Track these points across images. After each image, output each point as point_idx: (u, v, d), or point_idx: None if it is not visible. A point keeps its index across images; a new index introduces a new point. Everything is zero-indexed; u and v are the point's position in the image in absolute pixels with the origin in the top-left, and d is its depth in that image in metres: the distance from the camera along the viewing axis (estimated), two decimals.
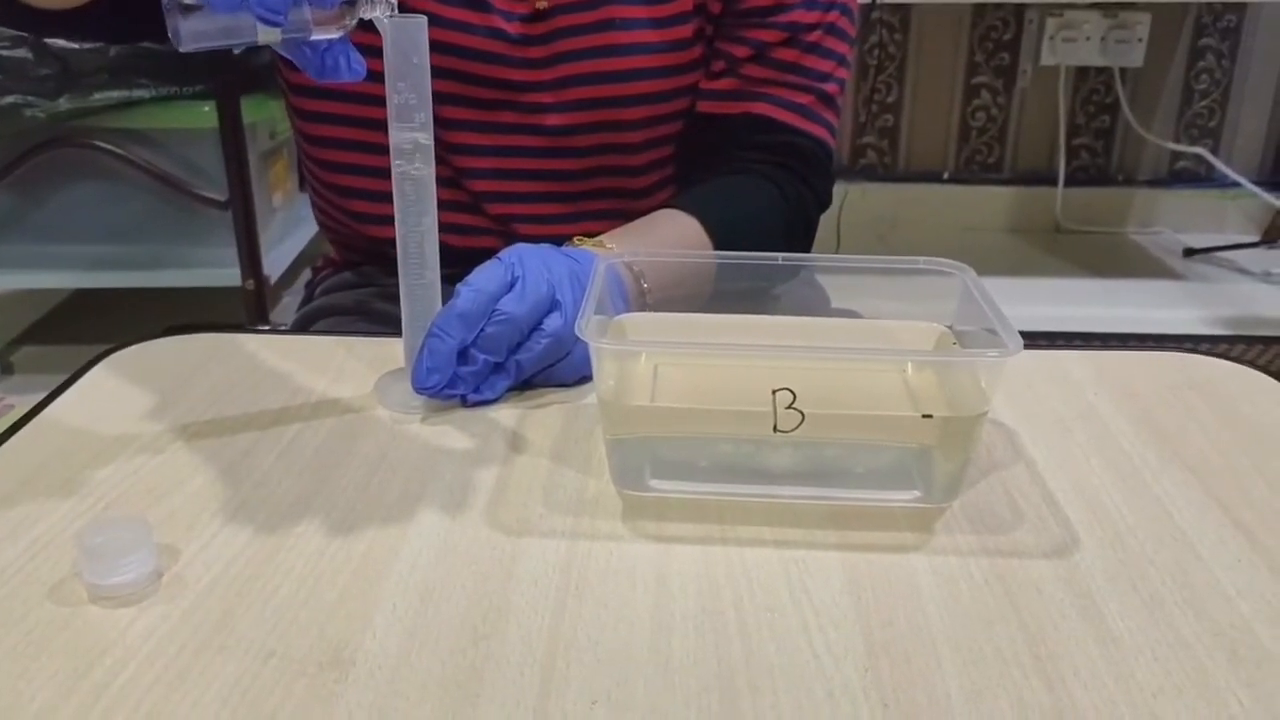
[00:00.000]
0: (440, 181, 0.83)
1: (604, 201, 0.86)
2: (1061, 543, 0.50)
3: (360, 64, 0.54)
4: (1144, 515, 0.52)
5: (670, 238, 0.77)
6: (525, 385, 0.64)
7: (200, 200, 1.73)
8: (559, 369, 0.63)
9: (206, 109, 1.68)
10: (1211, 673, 0.42)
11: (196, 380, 0.65)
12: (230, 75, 1.66)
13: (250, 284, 1.76)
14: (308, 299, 0.96)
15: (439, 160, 0.83)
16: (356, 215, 0.87)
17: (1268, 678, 0.42)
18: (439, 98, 0.80)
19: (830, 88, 0.85)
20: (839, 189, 2.41)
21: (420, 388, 0.60)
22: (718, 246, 0.77)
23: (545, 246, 0.64)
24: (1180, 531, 0.51)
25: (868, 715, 0.40)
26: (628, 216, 0.80)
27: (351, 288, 0.91)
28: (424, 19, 0.55)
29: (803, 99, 0.84)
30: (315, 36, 0.52)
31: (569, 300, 0.62)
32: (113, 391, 0.64)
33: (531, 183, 0.84)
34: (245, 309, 1.77)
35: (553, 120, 0.81)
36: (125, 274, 1.78)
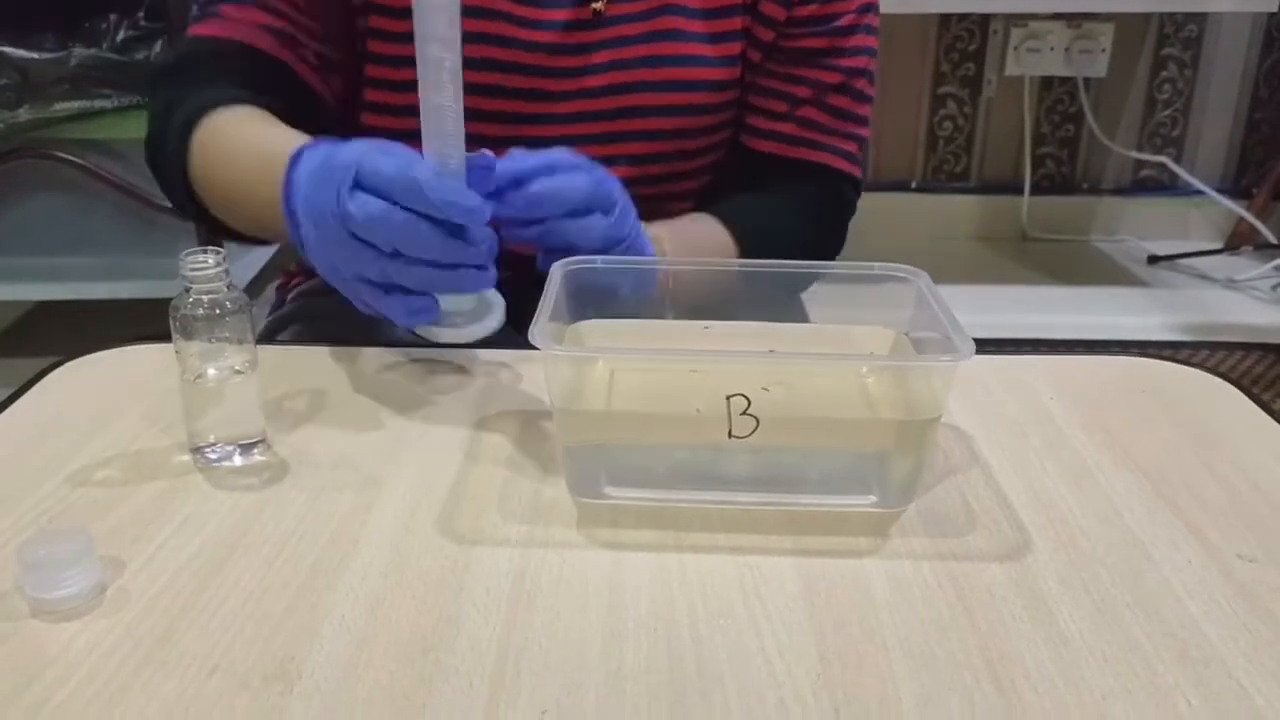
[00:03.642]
0: None
1: None
2: (1015, 546, 0.50)
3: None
4: (1096, 518, 0.52)
5: (711, 242, 0.79)
6: (480, 392, 0.63)
7: (163, 211, 1.71)
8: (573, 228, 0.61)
9: None
10: (1160, 673, 0.42)
11: (145, 391, 0.64)
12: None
13: None
14: (278, 305, 0.95)
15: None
16: None
17: (1216, 677, 0.42)
18: (473, 88, 0.78)
19: (866, 132, 0.88)
20: None
21: (451, 201, 0.55)
22: (742, 253, 0.80)
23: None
24: (1132, 534, 0.51)
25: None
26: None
27: (326, 293, 0.90)
28: None
29: (849, 146, 0.87)
30: None
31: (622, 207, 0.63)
32: (60, 403, 0.63)
33: None
34: None
35: (579, 129, 0.81)
36: (88, 285, 1.75)
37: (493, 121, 0.79)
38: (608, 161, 0.82)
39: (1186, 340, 2.08)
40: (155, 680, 0.41)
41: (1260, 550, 0.50)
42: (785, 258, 0.82)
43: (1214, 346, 2.06)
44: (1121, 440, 0.60)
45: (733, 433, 0.51)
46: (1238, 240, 2.43)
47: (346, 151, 0.55)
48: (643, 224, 0.70)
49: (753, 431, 0.51)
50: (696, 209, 0.86)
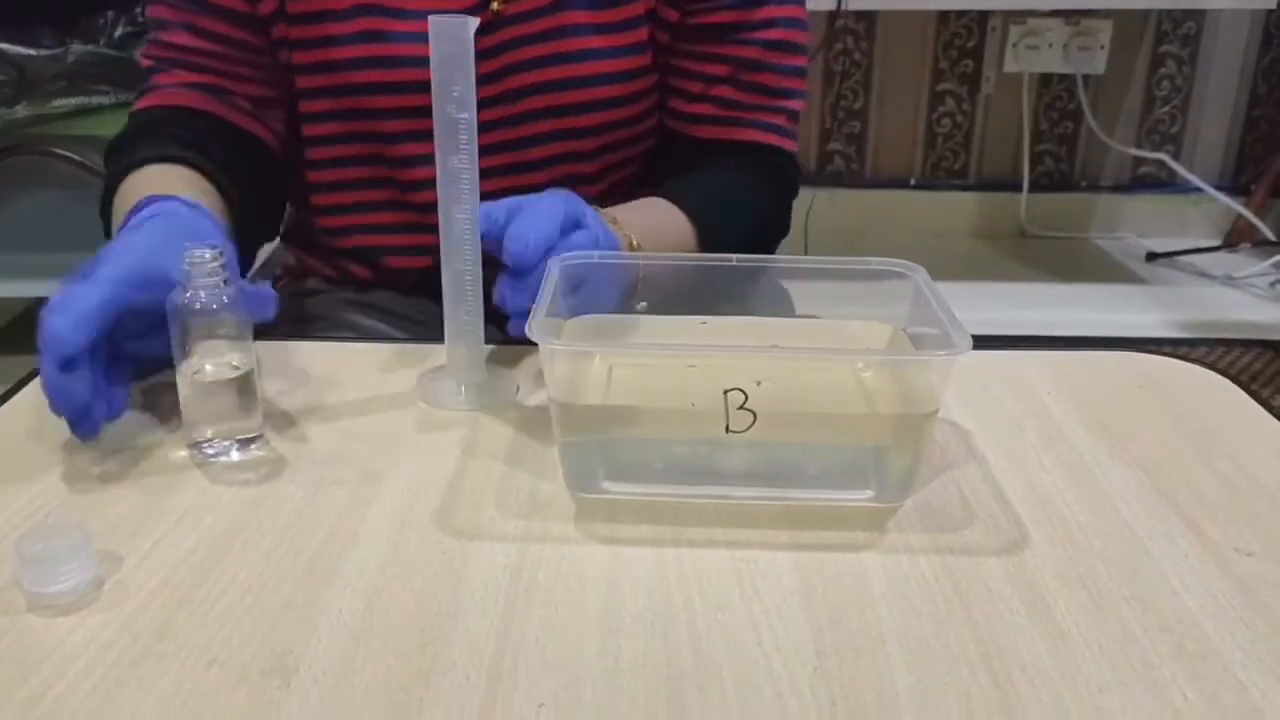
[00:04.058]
0: (389, 205, 0.82)
1: None
2: (1012, 540, 0.50)
3: None
4: (1094, 512, 0.52)
5: (670, 227, 0.78)
6: (480, 390, 0.63)
7: None
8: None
9: None
10: (1157, 667, 0.42)
11: (143, 388, 0.64)
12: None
13: None
14: None
15: (395, 187, 0.82)
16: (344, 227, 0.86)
17: (1212, 671, 0.42)
18: (383, 114, 0.79)
19: (796, 104, 0.86)
20: (806, 195, 2.42)
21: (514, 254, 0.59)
22: (700, 234, 0.79)
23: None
24: (1129, 528, 0.51)
25: (815, 714, 0.39)
26: None
27: (314, 294, 0.90)
28: (468, 19, 0.56)
29: (777, 119, 0.85)
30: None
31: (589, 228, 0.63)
32: None
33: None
34: None
35: (503, 135, 0.81)
36: None
37: (418, 141, 0.80)
38: (539, 164, 0.82)
39: (1185, 337, 2.08)
40: (152, 674, 0.41)
41: (1257, 544, 0.50)
42: (739, 230, 0.82)
43: (1212, 343, 2.06)
44: (1119, 435, 0.60)
45: (730, 427, 0.51)
46: (1236, 237, 2.43)
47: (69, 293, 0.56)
48: (597, 208, 0.70)
49: (750, 426, 0.51)
50: (638, 196, 0.85)
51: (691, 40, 0.82)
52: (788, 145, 0.87)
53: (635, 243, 0.70)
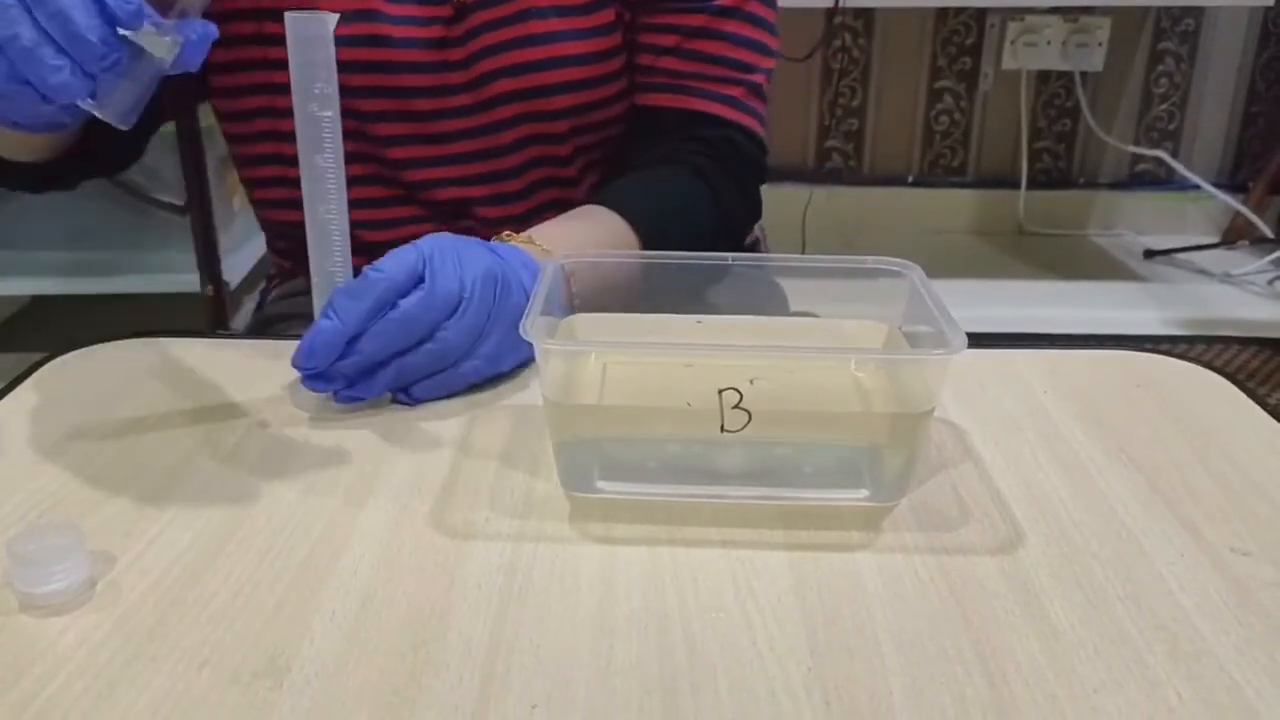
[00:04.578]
0: (393, 201, 0.82)
1: (543, 192, 0.85)
2: (1007, 539, 0.50)
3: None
4: (1089, 511, 0.52)
5: (600, 238, 0.75)
6: (473, 388, 0.63)
7: (158, 205, 1.71)
8: (443, 378, 0.61)
9: None
10: (1152, 667, 0.42)
11: (137, 386, 0.64)
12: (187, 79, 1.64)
13: (209, 289, 1.74)
14: (259, 306, 0.96)
15: (385, 180, 0.82)
16: (278, 202, 0.86)
17: (1207, 671, 0.42)
18: (369, 115, 0.79)
19: (758, 78, 0.84)
20: (804, 191, 2.43)
21: (297, 366, 0.58)
22: (644, 245, 0.76)
23: (468, 240, 0.63)
24: (1125, 527, 0.51)
25: (809, 714, 0.39)
26: (566, 204, 0.79)
27: (304, 293, 0.90)
28: (326, 16, 0.55)
29: (732, 91, 0.83)
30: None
31: (474, 305, 0.59)
32: (52, 398, 0.63)
33: (476, 186, 0.83)
34: (205, 314, 1.75)
35: (477, 120, 0.81)
36: (83, 280, 1.75)
37: (391, 120, 0.80)
38: (510, 148, 0.82)
39: (1183, 334, 2.08)
40: (145, 675, 0.41)
41: (1253, 544, 0.50)
42: (689, 227, 0.80)
43: (1210, 341, 2.06)
44: (1115, 434, 0.60)
45: (725, 427, 0.51)
46: (1234, 235, 2.43)
47: None
48: (510, 234, 0.68)
49: (745, 425, 0.51)
50: (604, 183, 0.83)
51: (644, 13, 0.82)
52: (746, 121, 0.84)
53: (574, 290, 0.66)
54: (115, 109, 0.52)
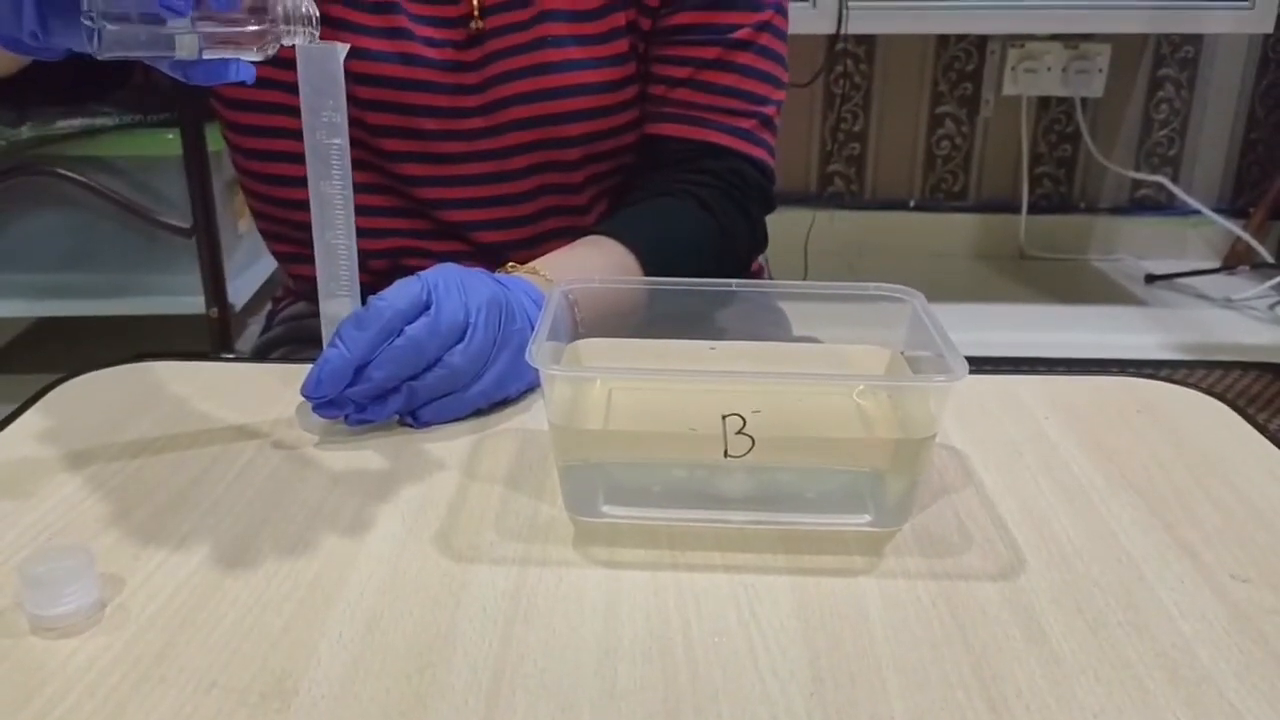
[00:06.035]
0: (397, 211, 0.83)
1: (551, 219, 0.86)
2: (1008, 565, 0.50)
3: (248, 71, 0.52)
4: (1090, 537, 0.53)
5: (605, 269, 0.76)
6: (478, 412, 0.64)
7: (164, 228, 1.72)
8: (450, 402, 0.62)
9: (170, 136, 1.67)
10: (1152, 693, 0.42)
11: (147, 409, 0.65)
12: (194, 102, 1.66)
13: (214, 312, 1.74)
14: (267, 328, 0.96)
15: (391, 190, 0.83)
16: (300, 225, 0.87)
17: (1206, 697, 0.42)
18: (377, 130, 0.80)
19: (769, 110, 0.85)
20: (806, 215, 2.45)
21: (306, 394, 0.59)
22: (648, 267, 0.77)
23: (471, 270, 0.64)
24: (1125, 553, 0.51)
25: None
26: (573, 231, 0.80)
27: (311, 316, 0.91)
28: (337, 47, 0.56)
29: (745, 124, 0.84)
30: (234, 56, 0.52)
31: (480, 332, 0.61)
32: (61, 421, 0.64)
33: (482, 209, 0.84)
34: (210, 337, 1.75)
35: (487, 145, 0.82)
36: (88, 302, 1.76)
37: (397, 136, 0.81)
38: (522, 173, 0.83)
39: (1183, 359, 2.08)
40: (153, 697, 0.41)
41: (1254, 570, 0.50)
42: (694, 257, 0.81)
43: (1210, 366, 2.07)
44: (1116, 460, 0.60)
45: (729, 452, 0.51)
46: (1234, 259, 2.44)
47: None
48: (513, 267, 0.69)
49: (748, 451, 0.51)
50: (611, 213, 0.84)
51: (658, 44, 0.83)
52: (756, 153, 0.85)
53: (580, 317, 0.66)
54: (108, 50, 0.50)
